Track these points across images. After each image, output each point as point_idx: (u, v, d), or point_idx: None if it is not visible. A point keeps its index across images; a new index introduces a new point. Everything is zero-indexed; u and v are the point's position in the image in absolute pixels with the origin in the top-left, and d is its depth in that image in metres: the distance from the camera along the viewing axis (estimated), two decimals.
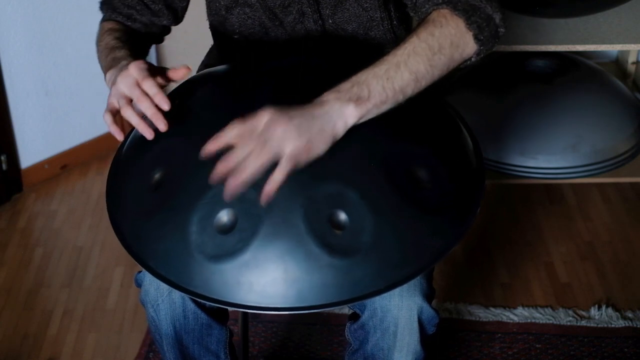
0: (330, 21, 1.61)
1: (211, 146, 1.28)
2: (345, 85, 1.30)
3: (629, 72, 2.82)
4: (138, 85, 1.37)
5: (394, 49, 1.36)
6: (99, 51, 1.57)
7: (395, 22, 1.64)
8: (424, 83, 1.35)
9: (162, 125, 1.36)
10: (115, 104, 1.39)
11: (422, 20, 1.42)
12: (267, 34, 1.64)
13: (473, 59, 1.43)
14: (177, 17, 1.68)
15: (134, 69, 1.38)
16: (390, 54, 1.35)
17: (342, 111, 1.28)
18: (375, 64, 1.33)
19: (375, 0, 1.59)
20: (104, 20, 1.64)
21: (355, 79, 1.31)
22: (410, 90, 1.34)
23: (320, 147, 1.27)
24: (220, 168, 1.26)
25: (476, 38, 1.41)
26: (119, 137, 1.39)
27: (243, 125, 1.26)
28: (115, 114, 1.39)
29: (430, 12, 1.42)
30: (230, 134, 1.27)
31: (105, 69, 1.48)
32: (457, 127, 1.48)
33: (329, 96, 1.29)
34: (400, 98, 1.33)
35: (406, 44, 1.36)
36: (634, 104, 2.59)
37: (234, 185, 1.25)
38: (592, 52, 2.85)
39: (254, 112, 1.27)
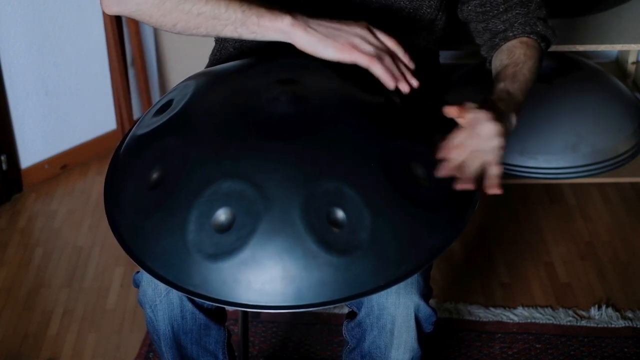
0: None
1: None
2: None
3: (629, 72, 2.82)
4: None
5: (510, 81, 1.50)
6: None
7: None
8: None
9: (415, 83, 1.44)
10: (370, 50, 1.42)
11: (509, 51, 1.58)
12: None
13: None
14: None
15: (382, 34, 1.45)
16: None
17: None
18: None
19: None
20: None
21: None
22: None
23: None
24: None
25: (547, 48, 1.64)
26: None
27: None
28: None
29: (510, 40, 1.60)
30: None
31: (270, 13, 1.42)
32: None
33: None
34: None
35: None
36: (634, 104, 2.59)
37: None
38: (592, 52, 2.85)
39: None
